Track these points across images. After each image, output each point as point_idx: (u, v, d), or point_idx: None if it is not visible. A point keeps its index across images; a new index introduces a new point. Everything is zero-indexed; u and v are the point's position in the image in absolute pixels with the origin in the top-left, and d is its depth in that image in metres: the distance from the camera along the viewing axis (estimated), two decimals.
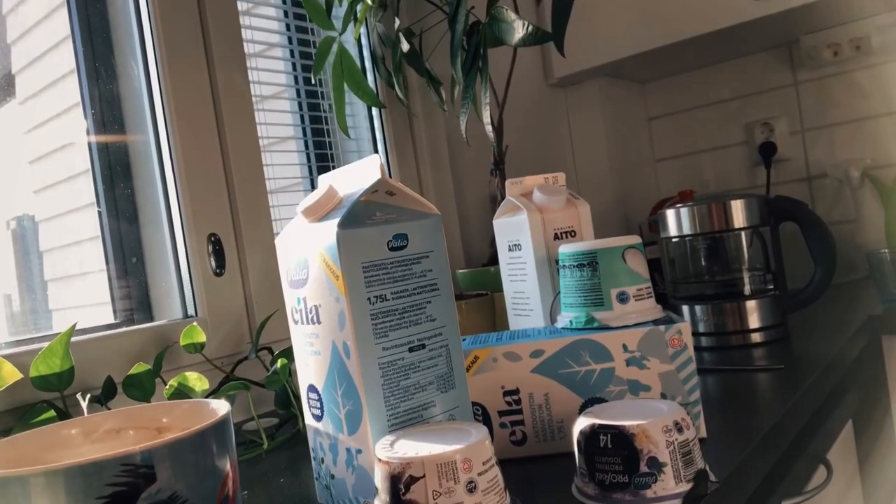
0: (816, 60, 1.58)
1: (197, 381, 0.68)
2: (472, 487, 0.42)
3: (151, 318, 0.98)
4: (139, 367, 0.72)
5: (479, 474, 0.43)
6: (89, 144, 0.96)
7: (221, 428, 0.35)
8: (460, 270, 1.15)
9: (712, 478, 0.50)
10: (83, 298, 0.97)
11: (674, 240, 1.06)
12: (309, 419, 0.56)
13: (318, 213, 0.54)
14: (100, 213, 0.98)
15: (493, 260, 1.27)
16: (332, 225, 0.50)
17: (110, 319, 0.95)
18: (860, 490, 1.02)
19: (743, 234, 1.02)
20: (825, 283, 0.97)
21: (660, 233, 1.07)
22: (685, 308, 1.02)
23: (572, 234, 0.78)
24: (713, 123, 1.78)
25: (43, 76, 0.95)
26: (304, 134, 1.26)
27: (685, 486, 0.47)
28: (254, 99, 1.08)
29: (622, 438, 0.48)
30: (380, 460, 0.44)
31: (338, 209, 0.52)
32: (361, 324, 0.50)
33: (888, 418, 1.13)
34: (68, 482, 0.30)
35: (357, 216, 0.51)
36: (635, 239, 0.64)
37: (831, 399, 0.95)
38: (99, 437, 0.41)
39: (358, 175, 0.55)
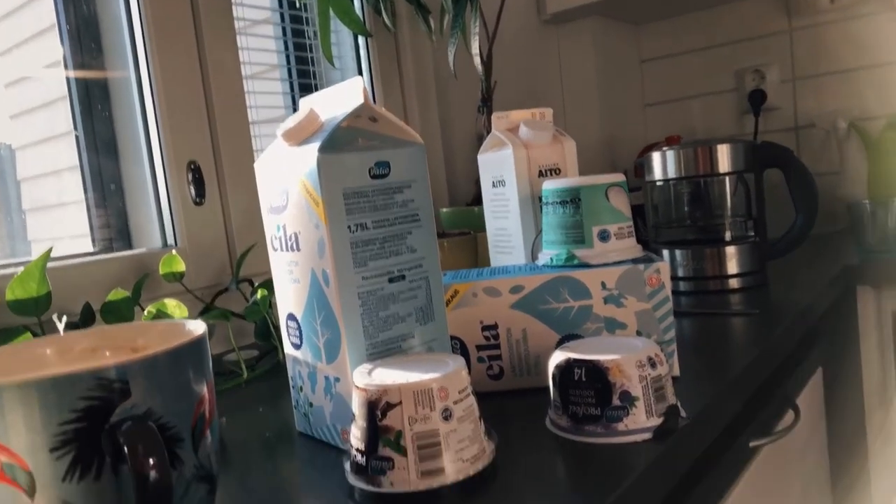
0: (813, 7, 1.55)
1: (176, 308, 0.67)
2: (447, 415, 0.43)
3: (131, 248, 0.97)
4: (117, 294, 0.71)
5: (455, 403, 0.43)
6: (65, 69, 0.93)
7: (197, 346, 0.35)
8: (444, 209, 1.14)
9: (683, 414, 0.51)
10: (62, 228, 0.95)
11: (658, 184, 1.06)
12: (288, 347, 0.56)
13: (298, 137, 0.52)
14: (77, 137, 0.95)
15: (478, 200, 1.26)
16: (312, 149, 0.49)
17: (89, 249, 0.94)
18: (825, 435, 1.06)
19: (727, 179, 1.02)
20: (806, 231, 0.98)
21: (645, 176, 1.07)
22: (665, 252, 1.03)
23: (557, 171, 0.78)
24: (704, 69, 1.76)
25: None
26: (288, 62, 1.22)
27: (656, 421, 0.48)
28: (237, 24, 1.05)
29: (596, 372, 0.48)
30: (357, 387, 0.44)
31: (319, 133, 0.51)
32: (341, 252, 0.49)
33: (857, 367, 1.16)
34: (41, 395, 0.30)
35: (339, 141, 0.50)
36: (619, 177, 0.64)
37: (803, 345, 0.97)
38: (74, 356, 0.41)
39: (340, 99, 0.53)
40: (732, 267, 0.99)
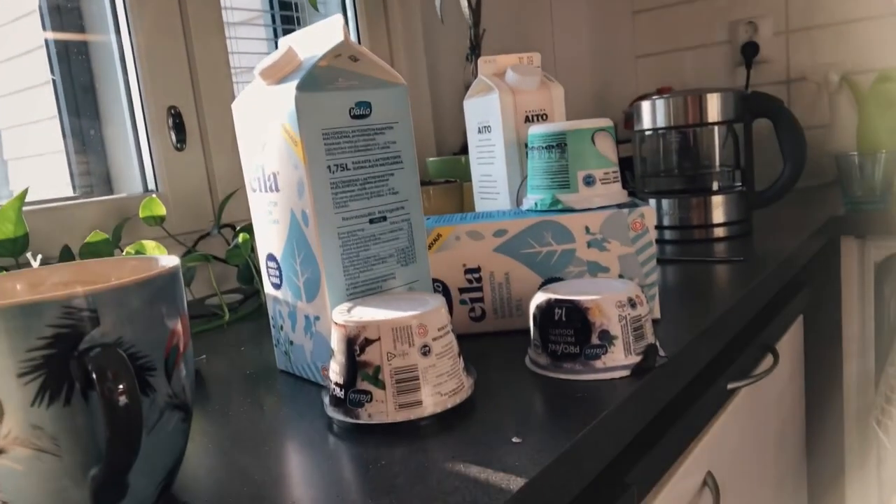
0: None
1: (155, 248, 0.67)
2: (426, 351, 0.43)
3: (111, 193, 0.95)
4: (97, 236, 0.70)
5: (434, 339, 0.43)
6: (41, 10, 0.90)
7: (170, 279, 0.34)
8: (430, 158, 1.13)
9: (661, 353, 0.51)
10: (42, 175, 0.93)
11: (647, 133, 1.05)
12: (268, 287, 0.56)
13: (276, 76, 0.51)
14: (54, 82, 0.93)
15: (465, 149, 1.25)
16: (290, 88, 0.48)
17: (70, 194, 0.93)
18: (802, 381, 1.08)
19: (717, 129, 1.01)
20: (792, 181, 0.97)
21: (634, 126, 1.06)
22: (652, 202, 1.03)
23: (544, 117, 0.77)
24: (697, 21, 1.73)
25: None
26: (272, 7, 1.19)
27: (634, 359, 0.49)
28: None
29: (576, 311, 0.49)
30: (336, 324, 0.44)
31: (297, 72, 0.50)
32: (320, 192, 0.49)
33: (837, 316, 1.17)
34: (7, 321, 0.29)
35: (317, 80, 0.48)
36: (606, 122, 0.63)
37: (786, 293, 0.98)
38: (45, 289, 0.40)
39: (320, 38, 0.52)
40: (718, 216, 0.99)
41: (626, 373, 0.48)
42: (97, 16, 0.93)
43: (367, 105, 0.51)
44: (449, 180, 1.01)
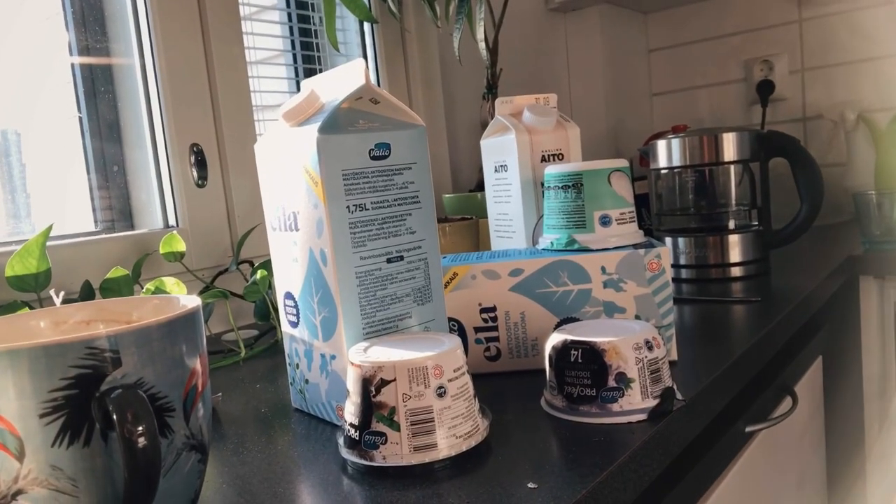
0: None
1: (174, 286, 0.68)
2: (441, 392, 0.43)
3: (132, 229, 0.97)
4: (117, 272, 0.71)
5: (450, 380, 0.43)
6: (70, 53, 0.93)
7: (190, 320, 0.35)
8: (446, 195, 1.14)
9: (679, 396, 0.51)
10: (65, 209, 0.95)
11: (663, 171, 1.05)
12: (285, 326, 0.56)
13: (298, 118, 0.52)
14: (81, 119, 0.95)
15: (481, 186, 1.26)
16: (312, 130, 0.49)
17: (91, 229, 0.94)
18: (822, 422, 1.06)
19: (732, 168, 1.01)
20: (810, 221, 0.97)
21: (650, 164, 1.06)
22: (668, 240, 1.02)
23: (560, 156, 0.77)
24: (713, 59, 1.75)
25: None
26: (293, 48, 1.22)
27: (651, 402, 0.48)
28: (242, 10, 1.04)
29: (593, 353, 0.48)
30: (352, 363, 0.44)
31: (319, 114, 0.51)
32: (339, 232, 0.49)
33: (857, 357, 1.15)
34: (32, 362, 0.30)
35: (339, 122, 0.49)
36: (622, 162, 0.63)
37: (804, 334, 0.97)
38: (68, 328, 0.41)
39: (342, 81, 0.53)
40: (735, 255, 0.98)
41: (643, 416, 0.48)
42: (124, 54, 0.95)
43: (387, 146, 0.52)
44: (465, 217, 1.01)
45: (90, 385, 0.31)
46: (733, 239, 0.98)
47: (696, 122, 1.79)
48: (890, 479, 1.15)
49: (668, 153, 1.02)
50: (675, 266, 1.02)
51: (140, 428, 0.29)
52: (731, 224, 1.01)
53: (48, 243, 0.80)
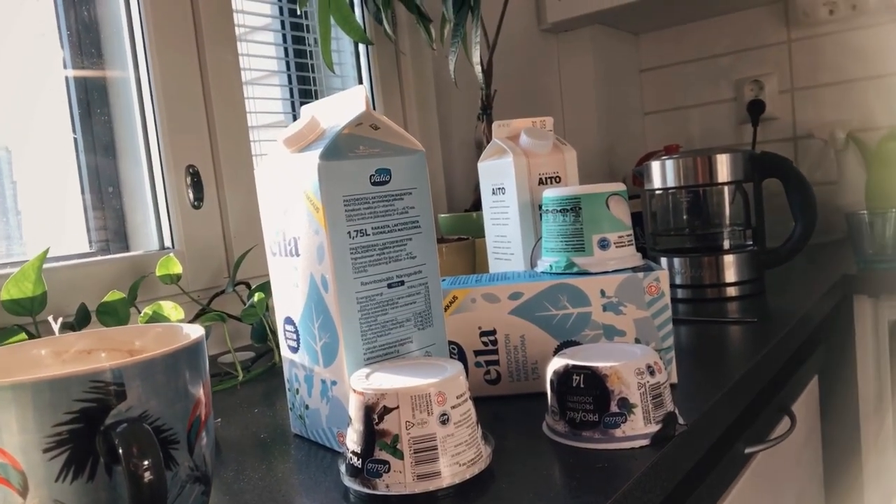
0: (811, 18, 1.56)
1: (172, 310, 0.67)
2: (444, 420, 0.43)
3: (127, 250, 0.97)
4: (114, 295, 0.71)
5: (453, 407, 0.43)
6: (64, 62, 0.93)
7: (195, 350, 0.35)
8: (442, 215, 1.15)
9: (680, 421, 0.51)
10: (58, 229, 0.95)
11: (657, 192, 1.06)
12: (285, 351, 0.56)
13: (299, 144, 0.52)
14: (75, 139, 0.95)
15: (476, 206, 1.26)
16: (313, 156, 0.49)
17: (86, 249, 0.94)
18: (819, 441, 1.06)
19: (726, 188, 1.02)
20: (804, 240, 0.98)
21: (644, 185, 1.07)
22: (664, 260, 1.03)
23: (557, 179, 0.78)
24: (704, 79, 1.77)
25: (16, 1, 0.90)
26: (288, 68, 1.22)
27: (654, 427, 0.48)
28: (237, 31, 1.05)
29: (595, 379, 0.48)
30: (355, 391, 0.44)
31: (320, 140, 0.51)
32: (340, 257, 0.49)
33: (852, 376, 1.16)
34: (36, 396, 0.30)
35: (340, 148, 0.50)
36: (620, 186, 0.64)
37: (800, 353, 0.97)
38: (70, 357, 0.41)
39: (342, 107, 0.54)
40: (730, 275, 0.99)
41: (645, 442, 0.48)
42: (120, 73, 0.95)
43: (387, 172, 0.52)
44: (461, 237, 1.01)
45: (95, 419, 0.30)
46: (728, 259, 0.99)
47: (687, 141, 1.80)
48: (886, 496, 1.15)
49: (662, 174, 1.03)
50: (671, 286, 1.02)
51: (146, 462, 0.29)
52: (726, 244, 1.02)
53: (43, 266, 0.79)
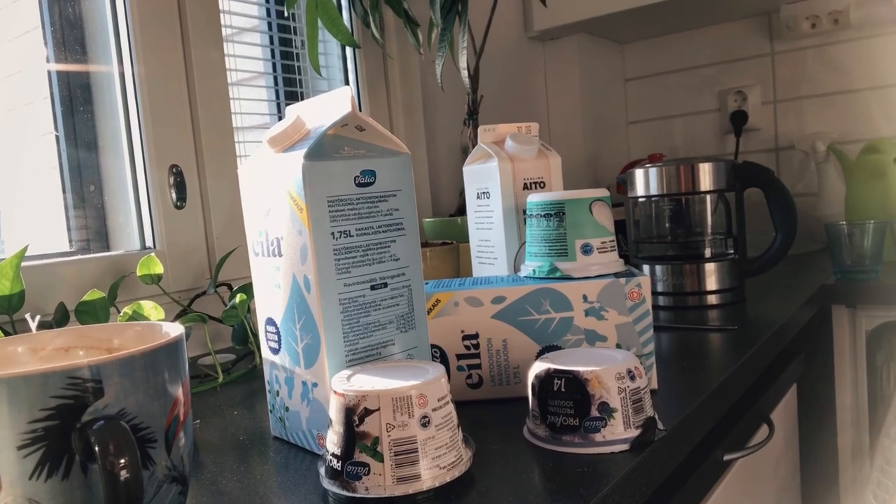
0: (794, 31, 1.58)
1: (152, 310, 0.67)
2: (425, 422, 0.43)
3: (108, 249, 0.96)
4: (93, 294, 0.70)
5: (434, 410, 0.43)
6: (47, 58, 0.92)
7: (174, 349, 0.34)
8: (427, 219, 1.15)
9: (660, 426, 0.51)
10: (38, 228, 0.94)
11: (640, 200, 1.07)
12: (266, 352, 0.56)
13: (283, 144, 0.52)
14: (57, 137, 0.94)
15: (461, 211, 1.27)
16: (297, 156, 0.49)
17: (66, 248, 0.93)
18: (797, 450, 1.07)
19: (709, 197, 1.03)
20: (784, 250, 0.99)
21: (627, 192, 1.08)
22: (646, 267, 1.04)
23: (542, 185, 0.78)
24: (688, 89, 1.78)
25: None
26: (275, 70, 1.22)
27: (634, 432, 0.48)
28: (224, 31, 1.04)
29: (575, 383, 0.49)
30: (335, 392, 0.44)
31: (304, 140, 0.51)
32: (324, 258, 0.49)
33: (830, 384, 1.17)
34: (11, 392, 0.29)
35: (324, 149, 0.50)
36: (603, 192, 0.64)
37: (779, 362, 0.98)
38: (47, 354, 0.40)
39: (327, 108, 0.53)
40: (711, 283, 1.00)
41: (625, 447, 0.48)
42: (104, 74, 0.95)
43: (372, 173, 0.52)
44: (446, 242, 1.02)
45: (71, 416, 0.30)
46: (710, 267, 1.00)
47: (671, 151, 1.82)
48: (861, 501, 1.16)
49: (645, 182, 1.04)
50: (653, 293, 1.03)
51: (122, 460, 0.29)
52: (708, 252, 1.02)
53: (21, 263, 0.78)
